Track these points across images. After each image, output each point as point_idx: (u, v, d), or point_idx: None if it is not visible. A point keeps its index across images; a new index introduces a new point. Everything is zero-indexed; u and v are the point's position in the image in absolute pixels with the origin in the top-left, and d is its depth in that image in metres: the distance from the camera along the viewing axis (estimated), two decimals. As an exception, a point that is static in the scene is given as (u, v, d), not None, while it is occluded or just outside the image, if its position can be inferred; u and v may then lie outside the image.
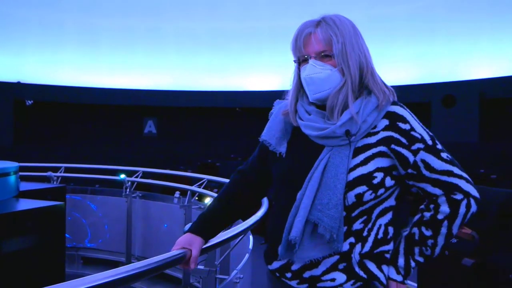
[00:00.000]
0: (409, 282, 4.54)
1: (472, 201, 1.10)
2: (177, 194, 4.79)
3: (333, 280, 1.12)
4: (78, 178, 6.36)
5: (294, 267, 1.16)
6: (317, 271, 1.13)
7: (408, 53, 14.14)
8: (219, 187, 6.64)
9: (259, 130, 1.28)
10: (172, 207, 4.81)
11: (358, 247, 1.12)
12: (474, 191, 1.11)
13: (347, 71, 1.10)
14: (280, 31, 15.09)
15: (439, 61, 13.67)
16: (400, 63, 14.14)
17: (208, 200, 4.13)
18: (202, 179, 4.67)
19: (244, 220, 1.94)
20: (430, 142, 1.11)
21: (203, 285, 2.18)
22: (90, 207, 5.51)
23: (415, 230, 1.15)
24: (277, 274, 1.22)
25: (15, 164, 3.40)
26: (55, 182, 5.64)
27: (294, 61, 1.18)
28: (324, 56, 1.12)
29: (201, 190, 4.39)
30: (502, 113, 12.37)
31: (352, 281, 1.12)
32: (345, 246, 1.11)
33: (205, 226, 1.29)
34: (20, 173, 3.65)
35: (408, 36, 14.13)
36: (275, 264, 1.21)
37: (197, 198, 4.54)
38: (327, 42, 1.11)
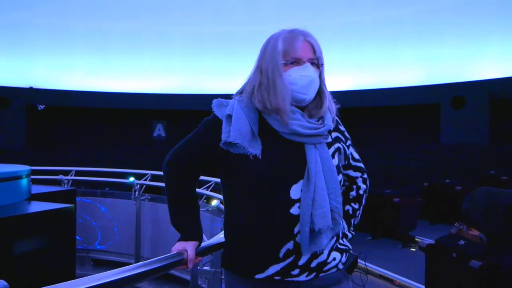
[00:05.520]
0: (417, 284, 4.47)
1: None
2: (185, 196, 4.83)
3: (334, 259, 1.27)
4: (89, 181, 6.45)
5: (302, 261, 1.19)
6: (323, 257, 1.23)
7: (415, 55, 14.04)
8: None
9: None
10: (180, 209, 4.85)
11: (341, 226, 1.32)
12: None
13: (323, 80, 1.29)
14: (287, 34, 15.11)
15: (447, 62, 13.57)
16: (408, 64, 14.07)
17: (215, 202, 4.17)
18: (209, 181, 4.72)
19: None
20: (350, 140, 1.41)
21: (209, 286, 2.22)
22: (100, 209, 5.60)
23: (348, 207, 1.41)
24: (277, 278, 1.20)
25: (27, 168, 3.47)
26: (66, 185, 5.74)
27: (284, 61, 1.23)
28: (312, 63, 1.26)
29: (208, 192, 4.43)
30: (513, 113, 12.23)
31: (344, 254, 1.31)
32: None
33: (189, 228, 1.31)
34: (32, 177, 3.73)
35: (415, 37, 14.03)
36: (273, 269, 1.19)
37: (205, 200, 4.59)
38: (318, 53, 1.27)
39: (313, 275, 1.22)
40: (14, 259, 2.56)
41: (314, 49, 1.27)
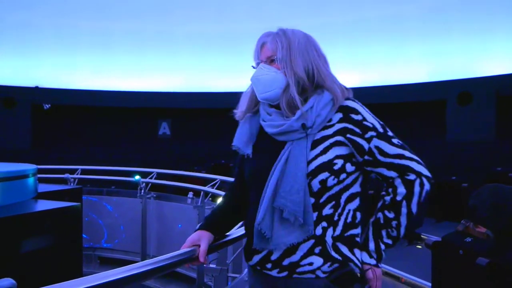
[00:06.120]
0: (423, 281, 4.48)
1: (425, 180, 1.21)
2: (190, 194, 4.85)
3: (310, 264, 1.19)
4: (95, 179, 6.49)
5: (274, 256, 1.23)
6: (295, 257, 1.20)
7: (421, 51, 13.95)
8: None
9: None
10: (186, 207, 4.87)
11: (330, 230, 1.21)
12: (425, 171, 1.23)
13: (289, 73, 1.23)
14: (292, 31, 15.08)
15: (453, 59, 13.46)
16: (414, 61, 13.98)
17: (220, 200, 4.17)
18: (215, 179, 4.72)
19: None
20: (381, 130, 1.24)
21: (215, 283, 2.22)
22: (106, 208, 5.62)
23: (380, 214, 1.24)
24: (258, 268, 1.28)
25: (33, 167, 3.49)
26: (72, 184, 5.76)
27: (252, 67, 1.32)
28: (272, 60, 1.27)
29: (214, 190, 4.43)
30: (520, 110, 12.11)
31: (329, 263, 1.19)
32: (318, 231, 1.20)
33: (213, 221, 1.38)
34: (39, 175, 3.75)
35: (421, 34, 13.93)
36: (255, 258, 1.28)
37: (210, 198, 4.59)
38: (274, 49, 1.26)
39: (285, 273, 1.22)
40: (21, 257, 2.58)
41: (269, 46, 1.27)
